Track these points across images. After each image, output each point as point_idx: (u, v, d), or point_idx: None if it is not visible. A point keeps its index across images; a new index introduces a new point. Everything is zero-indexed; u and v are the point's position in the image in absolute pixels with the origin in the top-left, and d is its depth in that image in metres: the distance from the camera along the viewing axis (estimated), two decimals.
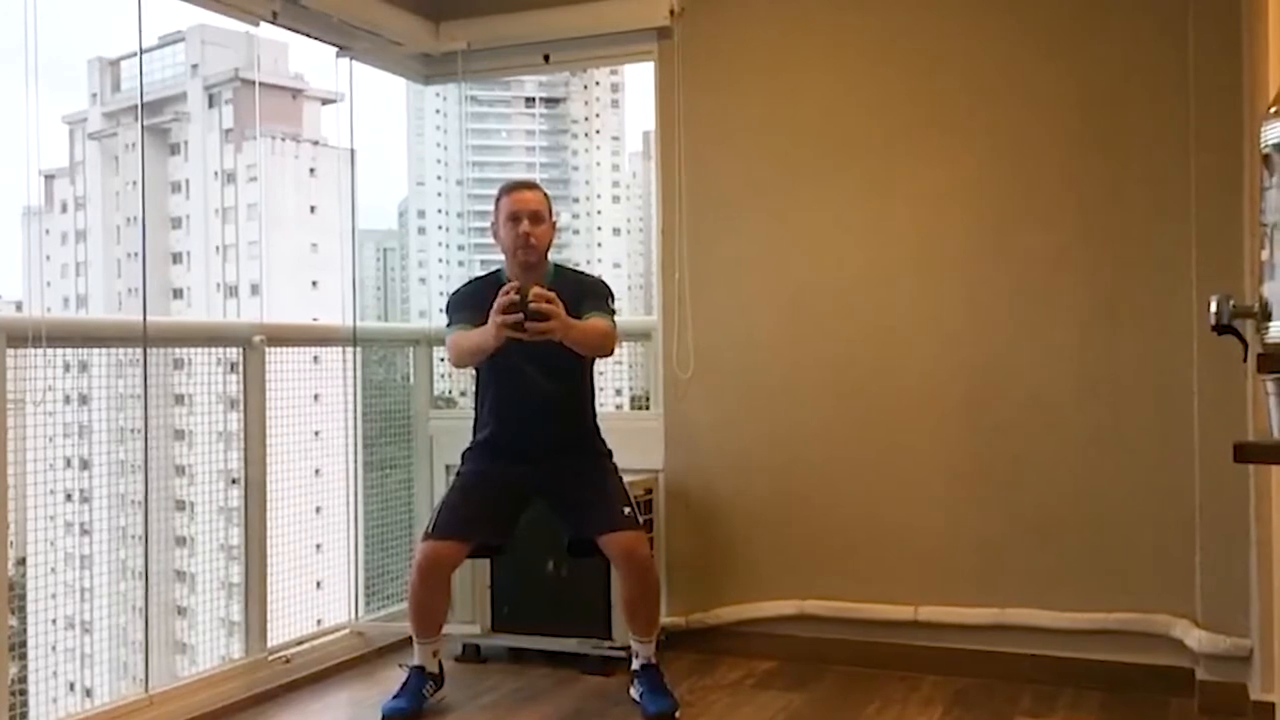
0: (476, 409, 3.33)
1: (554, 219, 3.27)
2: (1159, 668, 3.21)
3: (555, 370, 3.13)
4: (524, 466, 3.19)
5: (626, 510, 3.13)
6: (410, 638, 3.25)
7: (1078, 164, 3.33)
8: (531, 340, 2.80)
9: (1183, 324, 3.11)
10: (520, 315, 2.75)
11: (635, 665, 3.22)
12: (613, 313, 3.16)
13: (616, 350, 3.24)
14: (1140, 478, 3.25)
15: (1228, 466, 1.93)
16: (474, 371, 3.32)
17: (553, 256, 3.31)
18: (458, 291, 3.27)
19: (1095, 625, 3.27)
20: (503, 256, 3.26)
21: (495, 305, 2.79)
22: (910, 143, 3.52)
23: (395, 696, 3.13)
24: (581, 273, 3.42)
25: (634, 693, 3.19)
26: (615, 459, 3.31)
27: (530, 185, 3.27)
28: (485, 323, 2.85)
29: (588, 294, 3.14)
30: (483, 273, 3.52)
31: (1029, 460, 3.38)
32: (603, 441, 3.32)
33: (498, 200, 3.22)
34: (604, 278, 3.40)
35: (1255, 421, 2.80)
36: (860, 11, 3.59)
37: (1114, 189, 3.29)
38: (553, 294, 2.80)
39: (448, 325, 3.17)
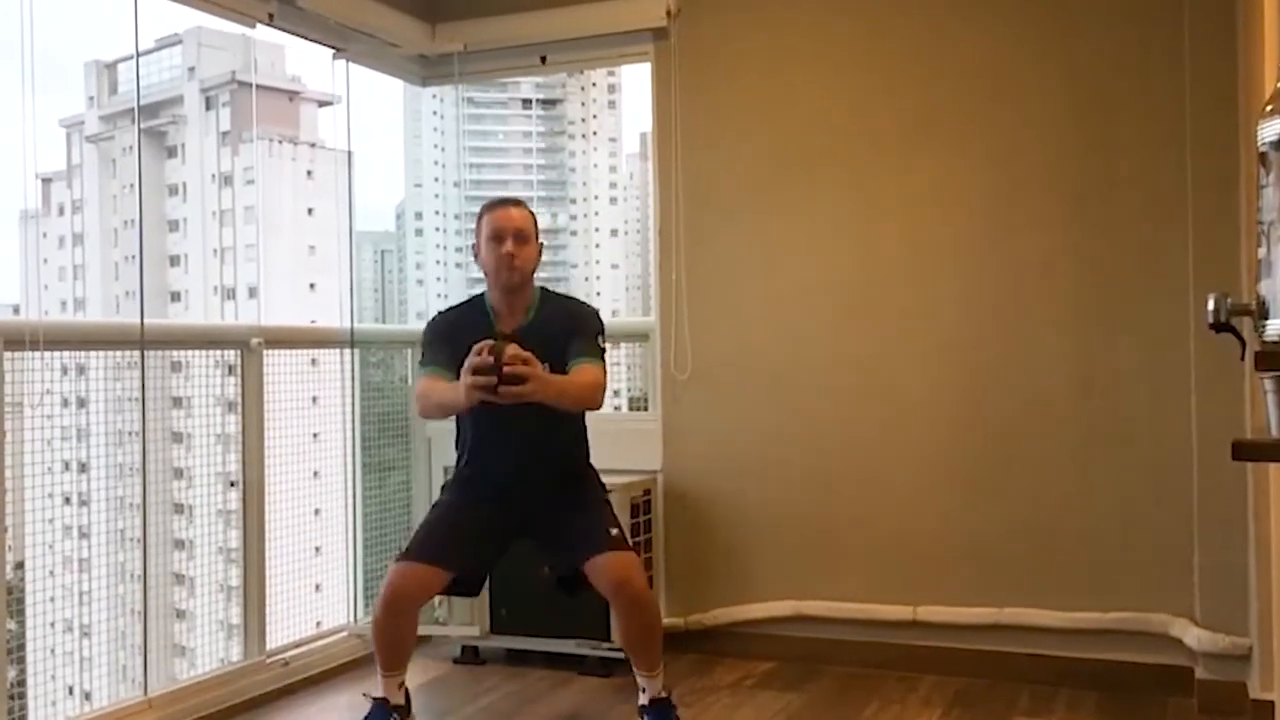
0: (457, 441, 2.99)
1: (541, 240, 2.95)
2: (1158, 667, 3.21)
3: (539, 409, 2.65)
4: (507, 504, 2.87)
5: (614, 531, 2.80)
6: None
7: (1072, 164, 3.33)
8: (505, 402, 2.49)
9: (1180, 322, 3.11)
10: (494, 379, 2.45)
11: (643, 700, 2.84)
12: (603, 351, 2.86)
13: (614, 349, 3.16)
14: (1138, 476, 3.25)
15: (1226, 465, 1.92)
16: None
17: (540, 276, 2.99)
18: (434, 322, 2.95)
19: (1094, 624, 3.28)
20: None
21: (466, 364, 2.49)
22: (905, 144, 3.52)
23: None
24: (569, 299, 3.03)
25: None
26: (614, 461, 3.22)
27: (515, 202, 2.93)
28: (461, 365, 2.53)
29: (576, 330, 2.83)
30: (468, 295, 3.12)
31: (1026, 460, 3.38)
32: (596, 476, 3.00)
33: (479, 219, 2.92)
34: (592, 302, 3.09)
35: (1253, 419, 2.81)
36: (856, 15, 3.59)
37: (1109, 188, 3.29)
38: (529, 355, 2.49)
39: (421, 363, 2.86)
